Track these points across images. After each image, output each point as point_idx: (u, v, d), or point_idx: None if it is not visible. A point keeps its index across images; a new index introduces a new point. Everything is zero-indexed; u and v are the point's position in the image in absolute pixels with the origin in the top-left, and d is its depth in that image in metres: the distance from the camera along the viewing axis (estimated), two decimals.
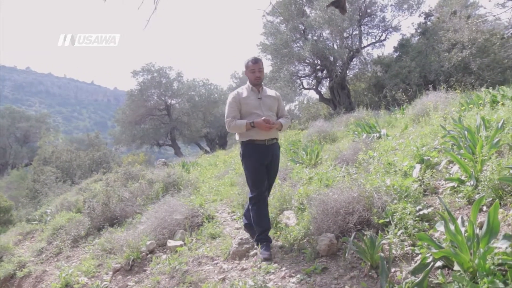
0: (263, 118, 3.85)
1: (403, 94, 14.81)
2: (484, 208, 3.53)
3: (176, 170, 9.41)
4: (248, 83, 4.17)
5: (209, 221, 5.52)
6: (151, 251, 4.97)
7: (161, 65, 28.64)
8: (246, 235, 4.63)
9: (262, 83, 4.22)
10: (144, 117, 27.33)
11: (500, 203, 3.45)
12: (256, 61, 4.04)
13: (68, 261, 6.01)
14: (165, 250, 4.96)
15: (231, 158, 12.47)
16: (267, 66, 20.36)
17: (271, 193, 4.74)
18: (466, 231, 2.72)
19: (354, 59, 19.10)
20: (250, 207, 4.10)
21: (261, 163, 4.00)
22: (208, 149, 30.85)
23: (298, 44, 18.99)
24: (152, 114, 27.82)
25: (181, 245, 4.83)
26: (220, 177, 9.65)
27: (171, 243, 4.93)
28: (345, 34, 18.32)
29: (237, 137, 4.17)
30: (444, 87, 10.98)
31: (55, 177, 16.79)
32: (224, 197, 7.18)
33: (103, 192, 7.42)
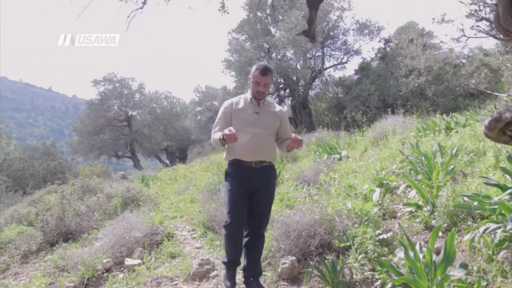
0: (228, 128, 3.13)
1: (363, 116, 15.28)
2: (440, 234, 3.66)
3: (135, 184, 9.19)
4: (249, 92, 3.52)
5: (169, 240, 5.40)
6: (108, 270, 4.79)
7: (123, 75, 28.01)
8: (207, 255, 4.56)
9: (266, 96, 3.55)
10: (103, 127, 26.59)
11: (454, 229, 3.60)
12: (265, 73, 3.35)
13: (16, 279, 5.65)
14: (122, 268, 4.79)
15: (191, 173, 12.35)
16: (231, 83, 20.41)
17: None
18: (424, 257, 2.80)
19: (316, 80, 19.54)
20: (223, 235, 3.51)
21: (244, 187, 3.35)
22: (168, 162, 30.40)
23: (262, 62, 19.22)
24: (112, 125, 27.13)
25: (139, 264, 4.69)
26: (180, 192, 9.52)
27: (129, 261, 4.77)
28: (308, 55, 18.73)
29: (224, 155, 3.59)
30: (402, 112, 11.41)
31: (5, 187, 15.98)
32: (184, 214, 7.07)
33: (58, 205, 7.09)
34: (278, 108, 3.60)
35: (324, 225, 3.93)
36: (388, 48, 19.91)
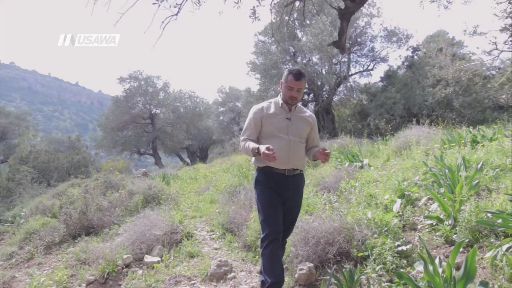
0: (266, 145, 2.95)
1: (387, 124, 15.11)
2: (461, 249, 3.62)
3: (156, 182, 9.33)
4: (279, 96, 3.38)
5: (188, 239, 5.48)
6: (127, 265, 4.90)
7: (148, 73, 28.55)
8: (225, 257, 4.62)
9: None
10: (127, 124, 27.11)
11: (473, 245, 3.55)
12: (299, 78, 3.19)
13: (39, 269, 5.84)
14: (141, 265, 4.89)
15: (212, 174, 12.45)
16: (255, 85, 20.47)
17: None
18: (443, 272, 2.78)
19: (341, 86, 19.47)
20: (260, 251, 3.21)
21: (277, 194, 3.23)
22: (188, 161, 30.75)
23: (287, 66, 19.26)
24: (136, 122, 27.61)
25: (158, 262, 4.78)
26: (200, 192, 9.62)
27: (148, 258, 4.87)
28: (334, 61, 18.67)
29: (252, 160, 3.44)
30: (427, 122, 11.25)
31: (31, 178, 16.41)
32: (203, 214, 7.15)
33: (81, 199, 7.28)
34: (308, 113, 3.48)
35: (343, 233, 3.92)
36: (416, 57, 19.65)
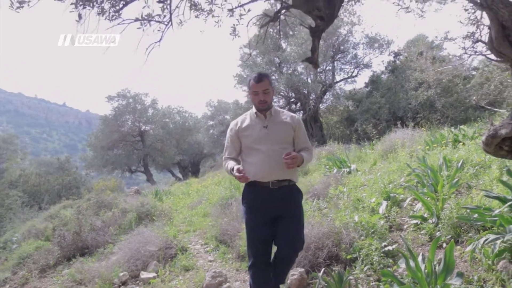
0: (237, 167, 2.87)
1: (373, 128, 15.37)
2: (444, 245, 3.79)
3: (149, 199, 9.42)
4: (253, 107, 3.20)
5: (182, 253, 5.57)
6: (124, 283, 4.98)
7: (136, 91, 28.66)
8: (219, 268, 4.73)
9: (274, 106, 3.20)
10: (117, 142, 27.08)
11: (457, 241, 3.73)
12: (260, 79, 3.00)
13: None
14: (138, 282, 4.98)
15: (204, 188, 12.55)
16: (243, 98, 20.69)
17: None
18: (426, 267, 2.94)
19: (327, 93, 19.79)
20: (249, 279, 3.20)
21: (263, 214, 3.04)
22: (180, 176, 30.75)
23: (273, 77, 19.53)
24: (126, 140, 27.60)
25: (154, 277, 4.87)
26: (193, 207, 9.70)
27: (144, 275, 4.96)
28: (319, 69, 18.98)
29: None
30: (411, 124, 11.51)
31: (21, 202, 16.34)
32: (197, 228, 7.25)
33: (74, 220, 7.35)
34: (289, 115, 3.21)
35: (332, 237, 4.08)
36: (397, 61, 20.08)
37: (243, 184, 3.14)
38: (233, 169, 2.90)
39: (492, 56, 3.12)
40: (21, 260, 7.25)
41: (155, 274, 4.97)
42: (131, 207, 8.06)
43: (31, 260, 6.89)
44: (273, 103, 3.20)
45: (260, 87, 3.02)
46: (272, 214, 3.04)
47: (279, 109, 3.26)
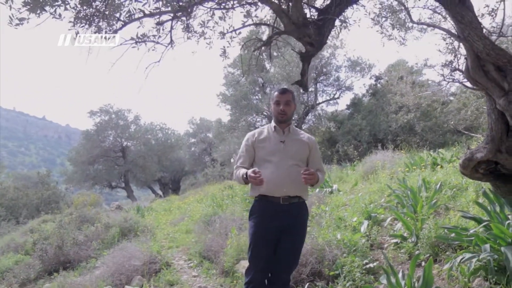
0: (252, 169, 2.86)
1: (355, 150, 15.68)
2: (423, 264, 3.93)
3: (131, 214, 9.37)
4: (272, 121, 3.20)
5: (166, 268, 5.59)
6: None
7: (119, 107, 28.62)
8: (204, 283, 4.77)
9: (292, 123, 3.23)
10: (98, 157, 26.82)
11: (436, 259, 3.88)
12: (284, 91, 3.08)
13: None
14: None
15: (186, 205, 12.53)
16: (226, 116, 20.84)
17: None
18: (405, 284, 3.07)
19: (309, 114, 20.10)
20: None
21: (270, 228, 2.97)
22: (161, 193, 30.51)
23: (257, 97, 19.80)
24: (107, 155, 27.35)
25: None
26: (175, 223, 9.69)
27: None
28: (301, 90, 19.31)
29: (249, 192, 3.20)
30: (391, 147, 11.80)
31: None
32: (180, 244, 7.26)
33: (56, 234, 7.27)
34: (306, 135, 3.24)
35: (315, 254, 4.19)
36: (379, 85, 20.59)
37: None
38: (245, 174, 2.88)
39: (469, 84, 3.33)
40: (0, 274, 7.13)
41: None
42: (114, 222, 8.03)
43: (11, 274, 6.78)
44: (292, 121, 3.24)
45: (283, 97, 3.07)
46: (279, 230, 2.98)
47: (296, 128, 3.28)
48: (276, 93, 3.12)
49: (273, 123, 3.17)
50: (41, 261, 6.70)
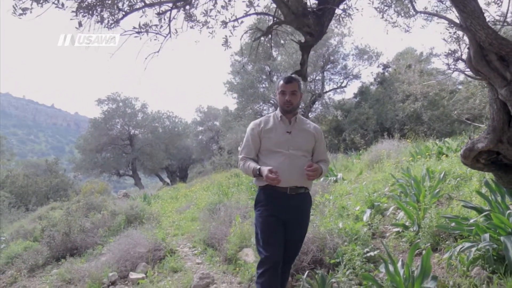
0: (268, 168, 2.80)
1: (361, 138, 15.64)
2: (423, 252, 3.95)
3: (138, 202, 9.48)
4: (278, 109, 3.14)
5: (171, 255, 5.67)
6: (113, 283, 5.06)
7: (126, 95, 28.75)
8: (207, 270, 4.84)
9: (299, 112, 3.19)
10: (106, 145, 27.04)
11: (436, 248, 3.90)
12: (290, 80, 3.02)
13: None
14: (126, 282, 5.06)
15: (192, 193, 12.63)
16: (233, 104, 20.84)
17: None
18: (404, 273, 3.10)
19: (316, 103, 20.04)
20: (255, 279, 2.91)
21: (277, 217, 2.94)
22: (168, 181, 30.73)
23: (263, 85, 19.74)
24: (115, 143, 27.56)
25: (143, 278, 4.96)
26: (181, 211, 9.80)
27: (133, 275, 5.05)
28: (308, 79, 19.24)
29: (253, 179, 3.12)
30: (398, 136, 11.76)
31: (8, 203, 16.23)
32: (185, 232, 7.35)
33: (63, 221, 7.39)
34: (312, 125, 3.20)
35: (316, 242, 4.22)
36: (386, 73, 20.44)
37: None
38: (258, 170, 2.87)
39: (472, 74, 3.31)
40: (9, 260, 7.28)
41: (143, 275, 5.07)
42: (120, 209, 8.14)
43: (20, 260, 6.92)
44: (298, 111, 3.18)
45: (289, 87, 3.01)
46: (285, 220, 2.97)
47: (302, 117, 3.22)
48: (281, 82, 3.04)
49: (279, 112, 3.11)
50: (49, 248, 6.83)
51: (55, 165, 24.67)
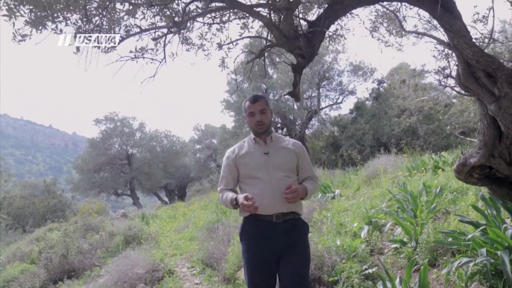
0: (244, 195, 2.54)
1: (358, 154, 15.69)
2: (421, 268, 3.96)
3: (136, 222, 9.46)
4: (251, 134, 2.90)
5: (169, 276, 5.65)
6: None
7: (124, 114, 28.91)
8: None
9: (273, 131, 2.92)
10: (104, 165, 27.04)
11: (434, 264, 3.91)
12: (256, 99, 2.78)
13: None
14: None
15: (190, 212, 12.60)
16: (230, 122, 20.94)
17: None
18: None
19: (312, 119, 20.18)
20: None
21: (265, 250, 2.66)
22: (167, 200, 30.62)
23: None
24: (113, 163, 27.57)
25: None
26: (180, 230, 9.76)
27: None
28: (304, 96, 19.41)
29: (238, 211, 2.82)
30: (395, 150, 11.82)
31: (5, 224, 16.14)
32: (184, 252, 7.32)
33: (61, 243, 7.36)
34: (291, 141, 2.92)
35: (314, 261, 4.23)
36: (381, 89, 20.63)
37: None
38: (235, 199, 2.61)
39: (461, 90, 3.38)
40: (5, 284, 7.22)
41: None
42: (118, 230, 8.12)
43: (17, 283, 6.88)
44: (272, 129, 2.92)
45: (257, 107, 2.77)
46: (276, 252, 2.66)
47: (278, 135, 2.97)
48: (247, 103, 2.81)
49: (252, 135, 2.87)
50: (46, 270, 6.80)
51: (53, 186, 24.60)
